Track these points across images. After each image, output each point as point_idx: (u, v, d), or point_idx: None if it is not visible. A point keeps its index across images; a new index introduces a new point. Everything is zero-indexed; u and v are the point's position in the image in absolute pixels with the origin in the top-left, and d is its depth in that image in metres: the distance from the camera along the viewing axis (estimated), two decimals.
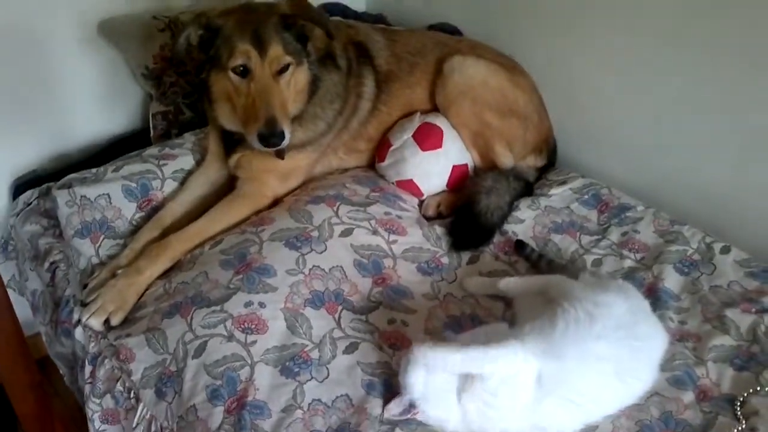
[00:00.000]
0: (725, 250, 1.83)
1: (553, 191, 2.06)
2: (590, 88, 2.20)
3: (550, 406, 1.35)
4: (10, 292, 2.02)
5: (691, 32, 1.90)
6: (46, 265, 1.94)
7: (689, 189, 2.03)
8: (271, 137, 1.73)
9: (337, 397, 1.47)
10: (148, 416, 1.56)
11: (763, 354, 1.57)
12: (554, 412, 1.36)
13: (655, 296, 1.72)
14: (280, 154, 1.88)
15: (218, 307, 1.60)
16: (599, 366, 1.37)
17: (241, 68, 1.76)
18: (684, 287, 1.77)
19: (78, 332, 1.74)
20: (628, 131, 2.13)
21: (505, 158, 2.10)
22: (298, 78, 1.84)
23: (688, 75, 1.94)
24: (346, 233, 1.79)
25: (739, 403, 1.47)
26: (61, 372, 2.04)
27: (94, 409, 1.69)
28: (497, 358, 1.31)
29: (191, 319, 1.59)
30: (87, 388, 1.70)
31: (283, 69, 1.79)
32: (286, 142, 1.77)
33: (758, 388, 1.49)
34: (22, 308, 2.09)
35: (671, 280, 1.77)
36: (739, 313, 1.66)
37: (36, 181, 2.16)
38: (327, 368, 1.52)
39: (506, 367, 1.31)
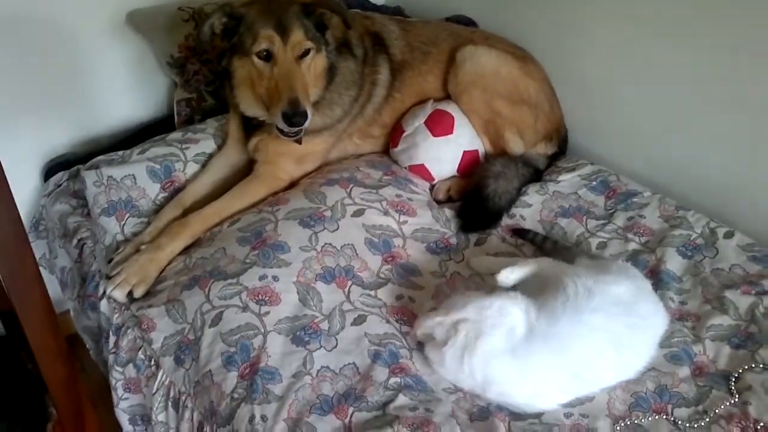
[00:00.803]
0: (729, 235, 1.87)
1: (561, 177, 2.11)
2: (601, 79, 2.24)
3: (550, 373, 1.42)
4: (41, 270, 2.13)
5: (698, 26, 1.93)
6: (75, 242, 2.03)
7: (696, 178, 2.06)
8: (294, 116, 1.80)
9: (344, 365, 1.55)
10: (167, 382, 1.65)
11: (760, 333, 1.61)
12: (554, 378, 1.43)
13: (657, 277, 1.77)
14: (298, 139, 1.96)
15: (234, 280, 1.68)
16: (595, 336, 1.43)
17: (265, 53, 1.84)
18: (686, 269, 1.81)
19: (103, 305, 1.83)
20: (638, 122, 2.17)
21: (515, 145, 2.15)
22: (317, 64, 1.92)
23: (695, 67, 1.97)
24: (358, 213, 1.87)
25: (733, 379, 1.52)
26: (87, 346, 2.13)
27: (117, 377, 1.78)
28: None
29: (209, 290, 1.68)
30: (111, 358, 1.79)
31: (304, 54, 1.87)
32: (308, 122, 1.84)
33: (753, 365, 1.53)
34: (53, 287, 2.20)
35: (674, 263, 1.81)
36: (739, 295, 1.70)
37: (66, 165, 2.25)
38: (336, 338, 1.60)
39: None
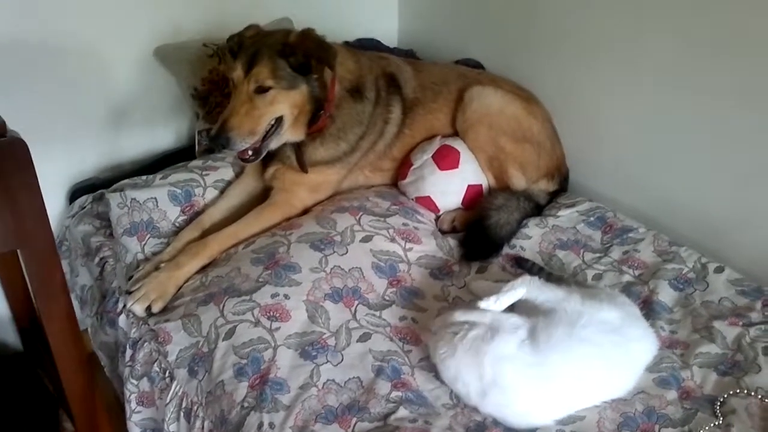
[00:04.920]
0: (719, 270, 1.96)
1: (561, 213, 2.21)
2: (601, 120, 2.35)
3: (548, 385, 1.51)
4: None
5: (690, 72, 2.03)
6: (96, 260, 2.13)
7: (690, 216, 2.15)
8: (215, 138, 1.93)
9: (349, 379, 1.63)
10: (180, 393, 1.73)
11: (746, 362, 1.69)
12: (551, 391, 1.52)
13: (649, 308, 1.86)
14: (303, 168, 2.09)
15: (248, 297, 1.78)
16: (585, 349, 1.53)
17: (232, 81, 1.98)
18: (677, 301, 1.90)
19: (122, 320, 1.93)
20: (635, 161, 2.27)
21: (518, 180, 2.26)
22: (293, 99, 1.98)
23: (688, 112, 2.07)
24: (366, 239, 1.97)
25: (719, 403, 1.59)
26: (102, 363, 2.21)
27: (131, 390, 1.87)
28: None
29: (223, 306, 1.77)
30: (126, 371, 1.88)
31: (263, 89, 1.95)
32: (233, 149, 1.95)
33: (738, 391, 1.61)
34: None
35: (665, 295, 1.90)
36: (727, 326, 1.79)
37: (91, 188, 2.36)
38: (342, 354, 1.69)
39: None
